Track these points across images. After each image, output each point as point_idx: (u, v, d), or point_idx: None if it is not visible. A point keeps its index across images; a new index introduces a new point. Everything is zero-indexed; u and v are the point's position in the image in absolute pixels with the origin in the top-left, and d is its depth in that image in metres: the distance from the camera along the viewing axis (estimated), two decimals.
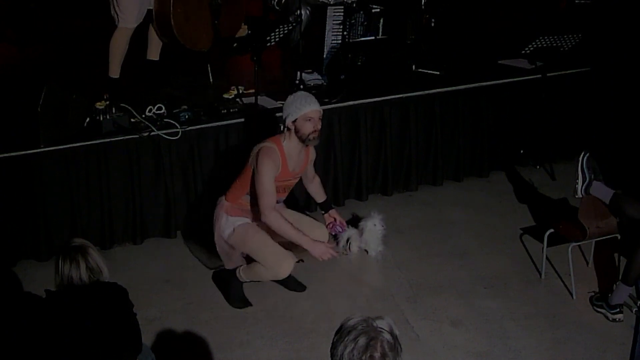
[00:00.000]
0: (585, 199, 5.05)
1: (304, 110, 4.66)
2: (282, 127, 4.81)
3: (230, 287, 5.03)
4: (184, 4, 6.28)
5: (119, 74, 6.29)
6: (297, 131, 4.69)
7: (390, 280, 5.34)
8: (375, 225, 5.50)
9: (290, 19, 6.54)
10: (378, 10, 6.88)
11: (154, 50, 6.55)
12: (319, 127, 4.72)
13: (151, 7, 6.30)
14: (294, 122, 4.68)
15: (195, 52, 6.52)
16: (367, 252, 5.59)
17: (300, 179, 5.11)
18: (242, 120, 5.80)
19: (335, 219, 5.21)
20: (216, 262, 5.18)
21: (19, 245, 5.37)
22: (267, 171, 4.62)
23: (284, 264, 4.74)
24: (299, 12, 6.58)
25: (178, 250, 5.66)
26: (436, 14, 7.08)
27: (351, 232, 5.60)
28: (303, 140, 4.71)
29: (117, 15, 6.14)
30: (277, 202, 4.79)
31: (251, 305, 4.99)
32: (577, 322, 4.87)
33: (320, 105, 5.51)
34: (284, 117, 4.75)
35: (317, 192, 5.26)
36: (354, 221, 5.74)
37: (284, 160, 4.73)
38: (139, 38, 6.48)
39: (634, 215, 4.88)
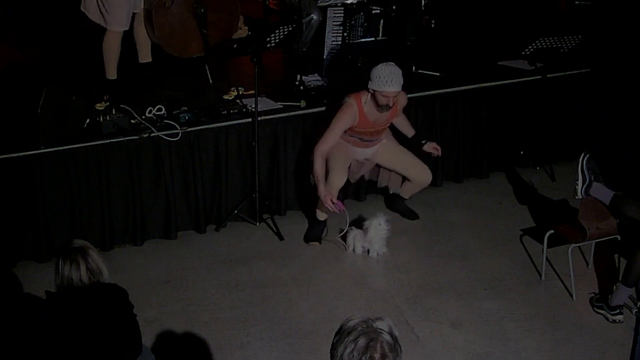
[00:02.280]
0: (585, 200, 5.05)
1: (383, 88, 5.32)
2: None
3: (313, 228, 5.83)
4: (166, 16, 6.29)
5: (116, 75, 6.29)
6: (374, 98, 5.40)
7: (390, 282, 5.35)
8: (380, 224, 5.49)
9: (303, 21, 6.54)
10: (378, 11, 6.88)
11: (144, 52, 6.53)
12: (392, 103, 5.39)
13: (136, 11, 6.29)
14: (374, 91, 5.37)
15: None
16: (368, 252, 5.58)
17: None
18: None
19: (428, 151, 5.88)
20: None
21: (19, 246, 5.37)
22: (338, 124, 5.46)
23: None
24: (311, 16, 6.60)
25: (178, 252, 5.66)
26: (436, 15, 7.08)
27: (356, 232, 5.59)
28: (378, 106, 5.41)
29: (105, 18, 6.12)
30: (373, 140, 5.69)
31: (319, 243, 5.74)
32: (577, 324, 4.88)
33: (320, 106, 5.60)
34: (369, 79, 5.40)
35: (405, 129, 5.89)
36: (359, 221, 5.73)
37: (362, 114, 5.48)
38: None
39: (634, 216, 4.89)
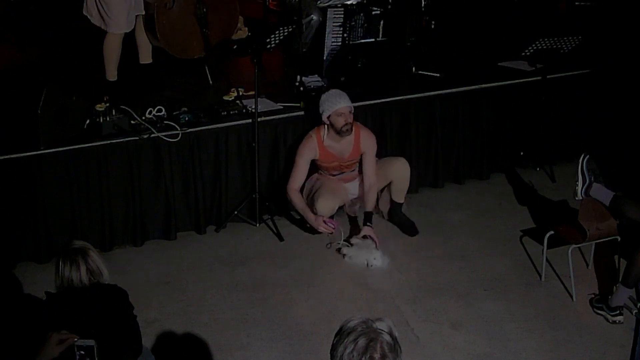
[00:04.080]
0: (585, 201, 5.05)
1: (335, 107, 5.40)
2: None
3: None
4: (167, 15, 6.30)
5: (117, 76, 6.30)
6: (332, 125, 5.45)
7: (390, 282, 5.34)
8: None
9: (303, 21, 6.55)
10: (378, 12, 6.87)
11: (145, 54, 6.54)
12: (350, 120, 5.45)
13: (139, 14, 6.30)
14: (328, 117, 5.44)
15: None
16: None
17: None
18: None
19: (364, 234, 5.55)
20: None
21: (19, 247, 5.37)
22: (299, 157, 5.57)
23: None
24: (311, 17, 6.60)
25: (178, 252, 5.66)
26: (436, 15, 7.07)
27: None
28: (338, 132, 5.45)
29: (105, 21, 6.13)
30: (337, 173, 5.68)
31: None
32: (577, 324, 4.88)
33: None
34: (320, 113, 5.47)
35: (365, 199, 5.63)
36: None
37: (322, 146, 5.55)
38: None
39: (634, 217, 4.89)
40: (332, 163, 5.64)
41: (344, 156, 5.61)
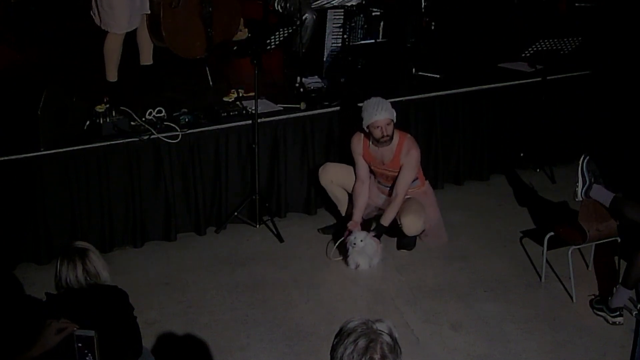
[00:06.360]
0: (586, 202, 5.05)
1: (371, 119, 5.29)
2: None
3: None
4: (173, 14, 6.29)
5: (117, 77, 6.29)
6: (370, 134, 5.37)
7: (390, 283, 5.34)
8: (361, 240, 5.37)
9: (296, 22, 6.55)
10: (378, 13, 6.88)
11: (146, 55, 6.53)
12: (388, 132, 5.33)
13: (144, 13, 6.30)
14: (367, 127, 5.33)
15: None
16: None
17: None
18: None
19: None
20: None
21: (19, 248, 5.37)
22: (351, 151, 5.58)
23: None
24: (305, 16, 6.59)
25: (178, 253, 5.66)
26: (436, 16, 7.08)
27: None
28: (376, 141, 5.37)
29: (106, 21, 6.10)
30: (387, 187, 5.60)
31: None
32: (577, 325, 4.88)
33: (320, 108, 5.54)
34: (362, 119, 5.37)
35: (385, 211, 5.52)
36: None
37: (366, 145, 5.50)
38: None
39: (634, 218, 4.88)
40: (374, 166, 5.56)
41: (384, 162, 5.51)
